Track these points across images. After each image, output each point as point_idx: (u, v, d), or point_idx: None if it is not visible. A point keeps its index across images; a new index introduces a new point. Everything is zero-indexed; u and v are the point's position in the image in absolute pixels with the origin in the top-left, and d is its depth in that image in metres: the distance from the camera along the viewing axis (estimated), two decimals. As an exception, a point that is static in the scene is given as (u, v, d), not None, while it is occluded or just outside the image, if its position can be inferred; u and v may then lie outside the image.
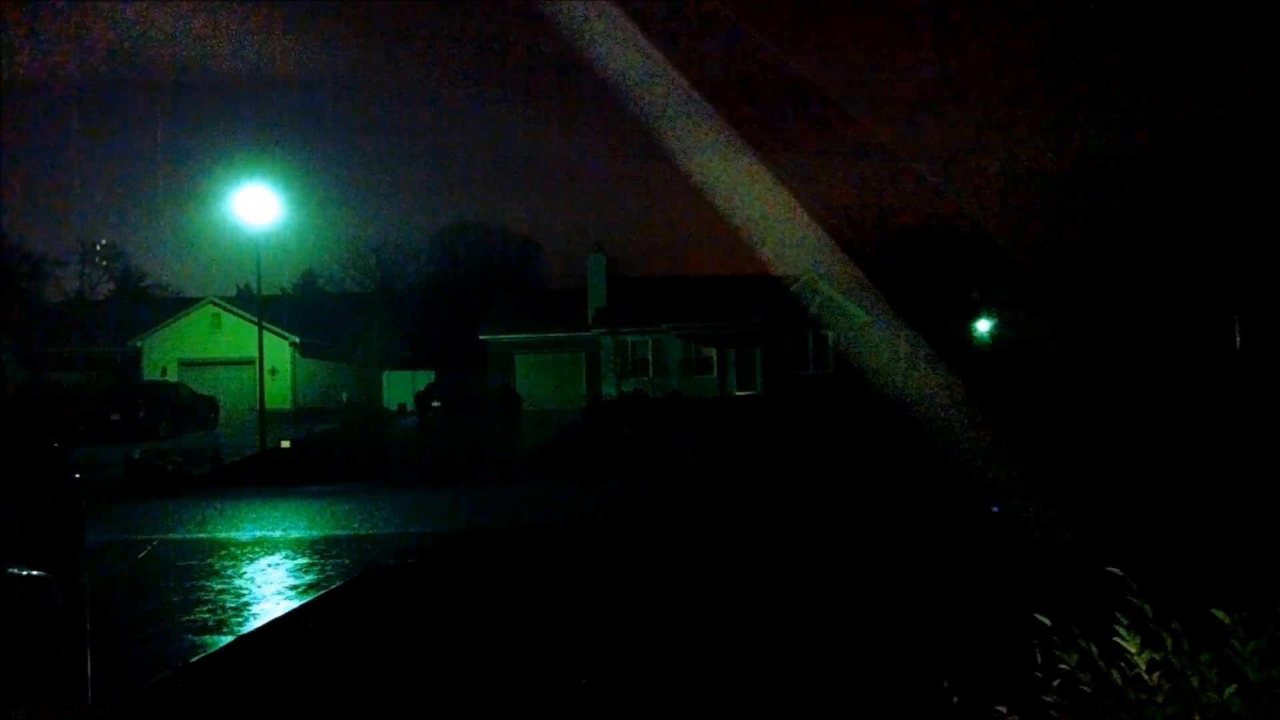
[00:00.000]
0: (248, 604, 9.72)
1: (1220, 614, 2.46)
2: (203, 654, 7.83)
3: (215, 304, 41.62)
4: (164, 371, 39.47)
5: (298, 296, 56.70)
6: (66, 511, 12.10)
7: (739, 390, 38.93)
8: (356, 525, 15.26)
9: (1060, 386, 33.61)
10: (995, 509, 12.83)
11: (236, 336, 39.08)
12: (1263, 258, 28.89)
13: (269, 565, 11.86)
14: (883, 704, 6.06)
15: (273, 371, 37.36)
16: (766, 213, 41.26)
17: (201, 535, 14.63)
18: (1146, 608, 2.59)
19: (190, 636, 8.43)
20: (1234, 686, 2.39)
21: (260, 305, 28.81)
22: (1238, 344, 30.58)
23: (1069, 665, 2.60)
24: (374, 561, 11.75)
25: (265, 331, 29.44)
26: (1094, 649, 2.58)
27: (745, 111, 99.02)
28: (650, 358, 39.90)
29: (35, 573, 6.24)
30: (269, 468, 23.88)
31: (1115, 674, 2.52)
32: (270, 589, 10.46)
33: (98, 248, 56.96)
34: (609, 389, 39.17)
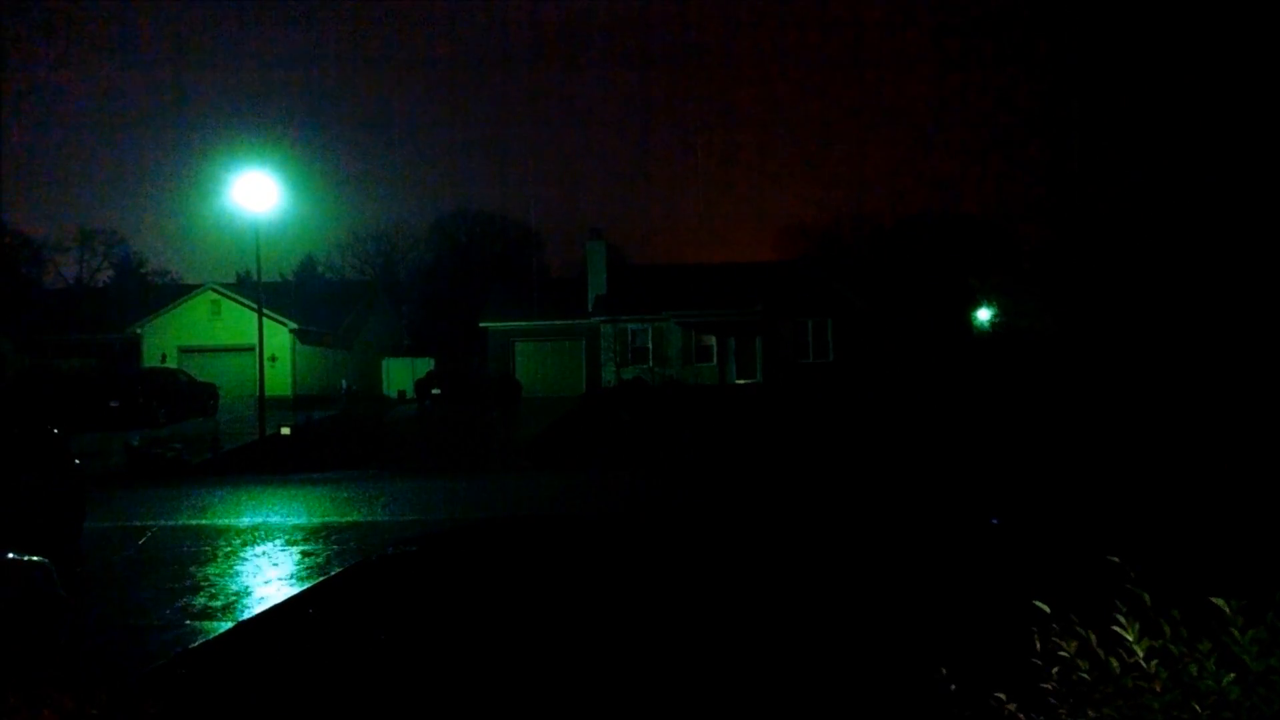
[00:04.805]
0: (247, 590, 9.74)
1: (1219, 602, 2.45)
2: (203, 640, 7.84)
3: (215, 290, 41.53)
4: (163, 358, 39.43)
5: (297, 283, 56.63)
6: (66, 498, 12.12)
7: (739, 378, 38.93)
8: (355, 513, 15.28)
9: (1060, 373, 33.62)
10: (994, 520, 12.83)
11: (236, 323, 39.05)
12: (1258, 244, 28.87)
13: (268, 552, 11.88)
14: (880, 692, 6.06)
15: (272, 358, 37.34)
16: (768, 200, 41.29)
17: (201, 522, 14.65)
18: (1145, 595, 2.58)
19: (190, 623, 8.45)
20: (1232, 675, 2.39)
21: (260, 292, 28.77)
22: (1234, 333, 30.56)
23: (1067, 653, 2.59)
24: (373, 549, 11.76)
25: (265, 318, 29.40)
26: (1092, 637, 2.57)
27: (748, 97, 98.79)
28: (650, 346, 39.87)
29: (34, 559, 6.24)
30: (268, 455, 23.90)
31: (1114, 662, 2.52)
32: (270, 576, 10.48)
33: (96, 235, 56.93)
34: (609, 377, 39.16)
